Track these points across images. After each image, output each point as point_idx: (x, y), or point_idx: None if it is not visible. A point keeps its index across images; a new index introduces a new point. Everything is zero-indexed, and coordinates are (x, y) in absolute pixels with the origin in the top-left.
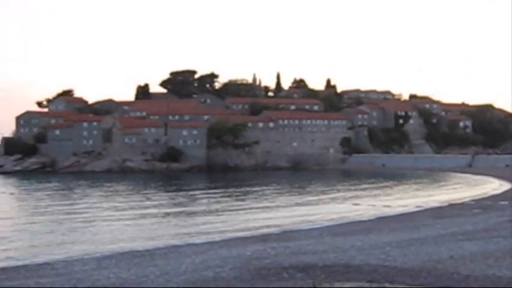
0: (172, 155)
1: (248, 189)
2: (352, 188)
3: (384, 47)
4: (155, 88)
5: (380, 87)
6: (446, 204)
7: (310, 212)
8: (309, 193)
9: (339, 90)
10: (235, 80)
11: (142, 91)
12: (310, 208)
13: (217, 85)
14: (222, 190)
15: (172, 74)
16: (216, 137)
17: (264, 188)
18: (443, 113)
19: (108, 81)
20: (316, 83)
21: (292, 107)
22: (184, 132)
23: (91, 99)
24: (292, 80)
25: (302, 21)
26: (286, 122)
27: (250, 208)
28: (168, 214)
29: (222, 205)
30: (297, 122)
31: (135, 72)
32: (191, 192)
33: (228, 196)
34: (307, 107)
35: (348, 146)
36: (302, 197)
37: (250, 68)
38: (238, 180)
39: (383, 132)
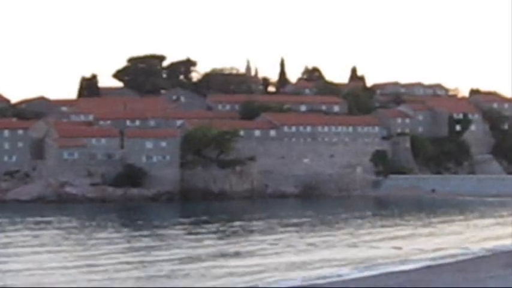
0: (132, 176)
1: (245, 235)
2: (390, 224)
3: (431, 24)
4: (107, 81)
5: (427, 80)
6: None
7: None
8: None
9: (368, 83)
10: (221, 69)
11: (89, 85)
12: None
13: (195, 76)
14: (206, 230)
15: (131, 60)
16: (194, 150)
17: (269, 231)
18: None
19: (39, 72)
20: (337, 74)
21: (303, 108)
22: (149, 144)
23: (14, 97)
24: (302, 70)
25: None
26: (293, 129)
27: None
28: (125, 270)
29: (204, 258)
30: (309, 128)
31: (78, 59)
32: (159, 233)
33: (216, 242)
34: (323, 107)
35: (383, 164)
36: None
37: (242, 53)
38: (226, 214)
39: (433, 143)
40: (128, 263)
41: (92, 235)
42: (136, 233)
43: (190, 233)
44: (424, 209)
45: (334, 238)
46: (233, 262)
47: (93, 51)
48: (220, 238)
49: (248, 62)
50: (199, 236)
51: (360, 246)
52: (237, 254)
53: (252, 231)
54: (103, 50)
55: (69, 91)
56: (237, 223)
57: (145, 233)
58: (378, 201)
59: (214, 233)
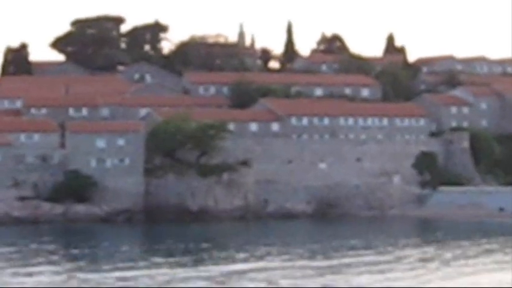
0: (76, 188)
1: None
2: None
3: None
4: (41, 53)
5: (494, 53)
6: None
7: None
8: None
9: (411, 57)
10: (203, 37)
11: (16, 59)
12: None
13: (166, 46)
14: (192, 272)
15: (75, 24)
16: (164, 151)
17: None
18: None
19: None
20: (367, 44)
21: (318, 91)
22: (100, 142)
23: None
24: (317, 38)
25: None
26: (305, 121)
27: None
28: None
29: None
30: (326, 121)
31: (1, 23)
32: (116, 275)
33: None
34: (347, 90)
35: (431, 171)
36: None
37: (233, 14)
38: (211, 247)
39: (501, 142)
40: None
41: (13, 275)
42: (81, 275)
43: (164, 275)
44: (490, 237)
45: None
46: None
47: (23, 13)
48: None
49: (241, 27)
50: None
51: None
52: None
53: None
54: (36, 11)
55: None
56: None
57: (94, 276)
58: (423, 224)
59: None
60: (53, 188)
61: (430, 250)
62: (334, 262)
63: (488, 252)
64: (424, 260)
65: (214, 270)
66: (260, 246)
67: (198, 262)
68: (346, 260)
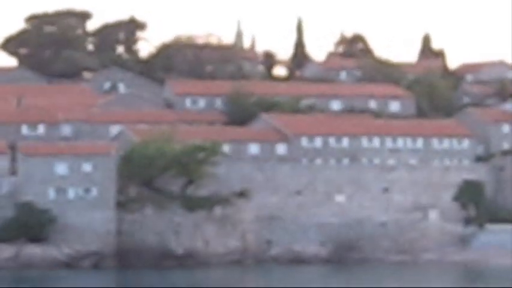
0: (30, 225)
1: None
2: None
3: None
4: None
5: None
6: None
7: None
8: None
9: (452, 63)
10: (190, 37)
11: None
12: None
13: (144, 48)
14: None
15: (30, 20)
16: (141, 179)
17: None
18: None
19: None
20: (396, 46)
21: (336, 105)
22: (61, 168)
23: None
24: (335, 39)
25: None
26: (318, 141)
27: None
28: None
29: None
30: (346, 142)
31: None
32: None
33: None
34: (372, 104)
35: (476, 205)
36: None
37: (229, 10)
38: None
39: None
40: None
41: None
42: None
43: None
44: None
45: None
46: None
47: None
48: None
49: (239, 26)
50: None
51: None
52: None
53: None
54: None
55: None
56: None
57: None
58: (468, 272)
59: None
60: (0, 225)
61: None
62: None
63: None
64: None
65: None
66: None
67: None
68: None
